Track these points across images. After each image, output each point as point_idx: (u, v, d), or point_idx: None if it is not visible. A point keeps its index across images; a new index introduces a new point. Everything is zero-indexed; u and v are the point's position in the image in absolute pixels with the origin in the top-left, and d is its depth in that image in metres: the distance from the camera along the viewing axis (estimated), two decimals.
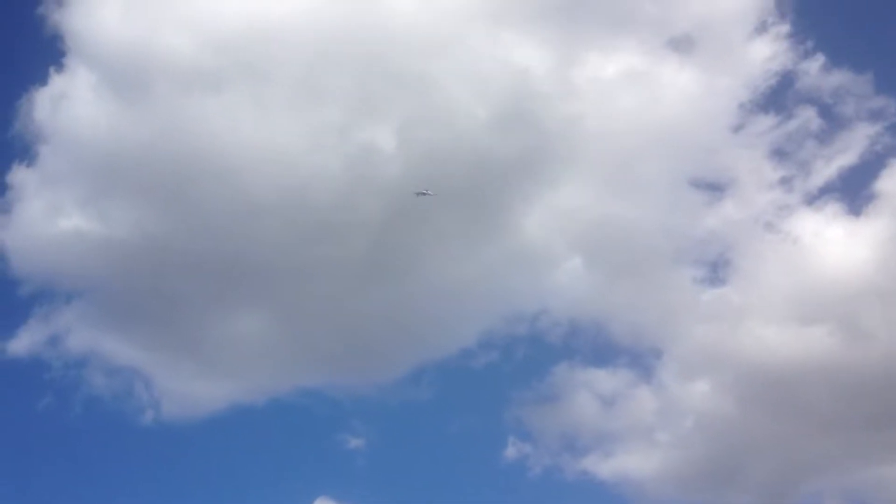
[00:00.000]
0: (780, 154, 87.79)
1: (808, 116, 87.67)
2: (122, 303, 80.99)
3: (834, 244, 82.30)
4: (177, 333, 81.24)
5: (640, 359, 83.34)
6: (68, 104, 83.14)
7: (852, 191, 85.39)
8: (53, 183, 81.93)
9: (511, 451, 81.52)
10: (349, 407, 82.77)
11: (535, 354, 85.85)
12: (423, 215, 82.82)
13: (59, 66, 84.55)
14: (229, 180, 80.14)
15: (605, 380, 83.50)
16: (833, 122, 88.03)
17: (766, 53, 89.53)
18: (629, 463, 79.31)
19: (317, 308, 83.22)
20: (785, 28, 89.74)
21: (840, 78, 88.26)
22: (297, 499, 76.26)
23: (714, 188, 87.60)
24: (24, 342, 77.54)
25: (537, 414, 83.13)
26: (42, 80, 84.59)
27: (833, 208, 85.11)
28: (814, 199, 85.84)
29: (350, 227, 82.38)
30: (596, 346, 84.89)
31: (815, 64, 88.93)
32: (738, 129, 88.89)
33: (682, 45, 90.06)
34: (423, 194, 77.08)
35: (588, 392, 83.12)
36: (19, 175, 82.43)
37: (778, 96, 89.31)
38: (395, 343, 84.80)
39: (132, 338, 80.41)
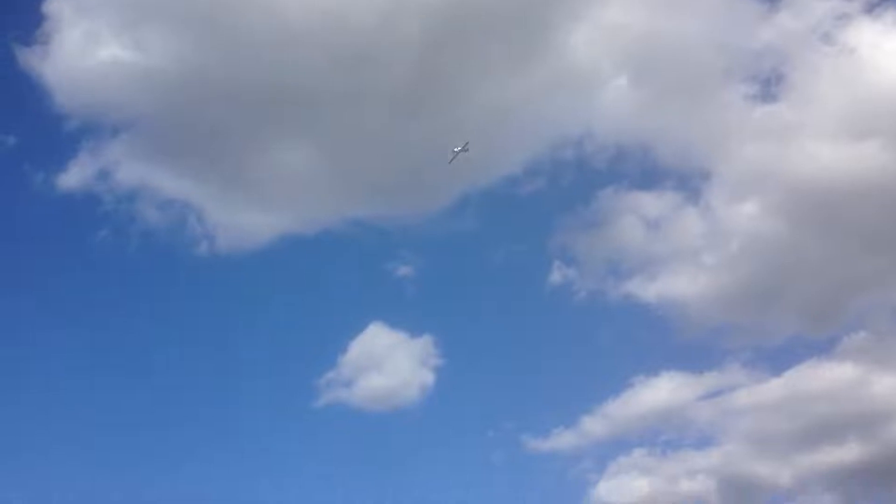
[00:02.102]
0: None
1: None
2: (169, 135, 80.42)
3: (892, 56, 79.23)
4: (225, 165, 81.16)
5: (687, 181, 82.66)
6: None
7: None
8: (89, 10, 79.86)
9: (556, 277, 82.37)
10: (397, 236, 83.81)
11: (580, 179, 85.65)
12: (467, 38, 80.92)
13: None
14: (268, 5, 77.72)
15: (651, 203, 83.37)
16: None
17: None
18: (674, 285, 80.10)
19: (362, 137, 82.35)
20: None
21: None
22: (352, 325, 78.74)
23: None
24: (74, 177, 77.83)
25: (582, 239, 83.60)
26: None
27: (894, 17, 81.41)
28: (874, 6, 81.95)
29: (393, 53, 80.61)
30: (642, 168, 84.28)
31: None
32: None
33: None
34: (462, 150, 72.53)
35: (633, 216, 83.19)
36: (54, 4, 79.99)
37: None
38: (441, 171, 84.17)
39: (181, 170, 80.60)
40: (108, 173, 78.27)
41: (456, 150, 70.85)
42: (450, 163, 71.26)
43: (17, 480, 65.75)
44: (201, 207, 79.06)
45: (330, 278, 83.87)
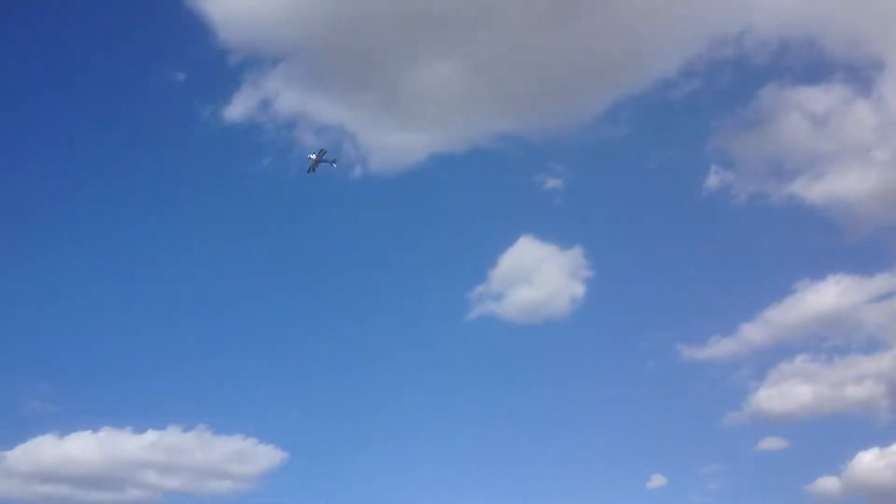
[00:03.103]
0: None
1: None
2: (323, 63, 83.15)
3: None
4: (376, 89, 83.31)
5: (857, 72, 77.36)
6: None
7: None
8: None
9: (712, 181, 79.99)
10: (546, 149, 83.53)
11: (739, 78, 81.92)
12: None
13: None
14: None
15: (817, 98, 78.54)
16: None
17: None
18: (841, 184, 75.82)
19: (508, 51, 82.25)
20: None
21: None
22: (502, 239, 79.94)
23: None
24: (238, 108, 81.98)
25: (741, 141, 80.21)
26: None
27: None
28: None
29: None
30: (807, 62, 79.48)
31: None
32: None
33: None
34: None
35: (798, 113, 78.64)
36: None
37: None
38: (591, 80, 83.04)
39: (335, 97, 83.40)
40: (268, 104, 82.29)
41: (311, 156, 66.33)
42: (309, 172, 66.39)
43: None
44: (355, 131, 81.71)
45: (479, 194, 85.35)
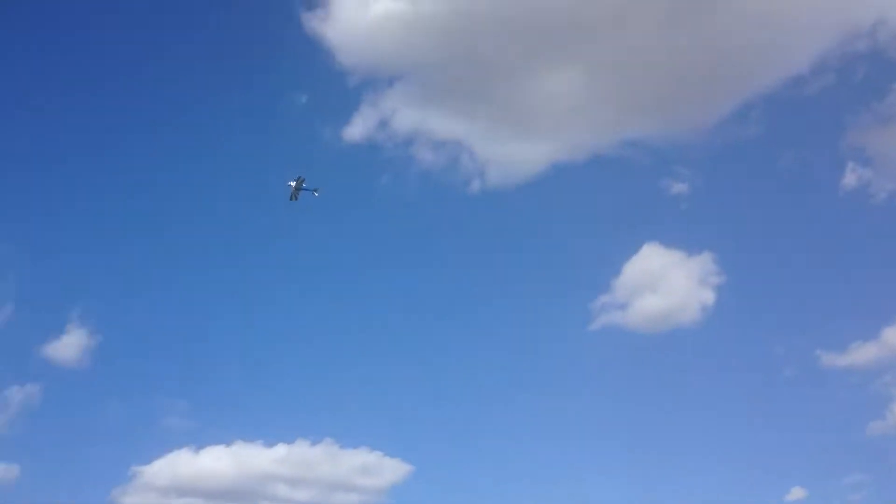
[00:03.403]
0: None
1: None
2: (439, 78, 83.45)
3: None
4: (493, 101, 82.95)
5: None
6: None
7: None
8: None
9: (849, 179, 76.60)
10: (671, 153, 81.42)
11: (874, 72, 78.24)
12: None
13: None
14: None
15: None
16: None
17: None
18: None
19: (629, 55, 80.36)
20: None
21: None
22: (626, 247, 78.02)
23: None
24: (358, 128, 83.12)
25: (879, 136, 76.66)
26: None
27: None
28: None
29: None
30: None
31: None
32: None
33: None
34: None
35: None
36: None
37: None
38: (717, 80, 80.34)
39: (452, 111, 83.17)
40: (386, 122, 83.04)
41: (290, 183, 64.03)
42: (291, 199, 64.29)
43: None
44: (472, 145, 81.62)
45: (601, 202, 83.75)
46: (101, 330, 74.21)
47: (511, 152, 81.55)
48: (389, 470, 71.90)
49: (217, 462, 71.69)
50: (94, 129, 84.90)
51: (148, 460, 70.15)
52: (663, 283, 76.01)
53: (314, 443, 72.45)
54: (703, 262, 76.46)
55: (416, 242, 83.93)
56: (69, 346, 73.00)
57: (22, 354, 73.13)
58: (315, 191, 65.39)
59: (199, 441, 71.34)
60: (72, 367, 72.96)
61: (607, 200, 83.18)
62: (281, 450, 72.02)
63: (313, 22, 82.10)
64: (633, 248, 77.35)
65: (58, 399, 72.37)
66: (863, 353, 70.56)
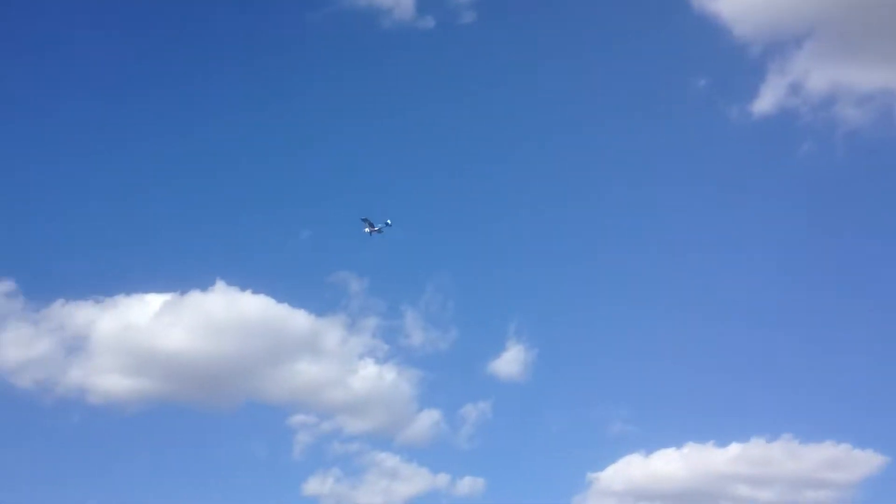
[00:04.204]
0: None
1: None
2: (852, 28, 75.69)
3: None
4: None
5: None
6: None
7: None
8: None
9: None
10: None
11: None
12: None
13: None
14: None
15: None
16: None
17: None
18: None
19: None
20: None
21: None
22: None
23: None
24: (767, 100, 78.44)
25: None
26: None
27: None
28: None
29: None
30: None
31: None
32: None
33: None
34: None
35: None
36: None
37: None
38: None
39: (873, 60, 75.37)
40: (798, 86, 77.57)
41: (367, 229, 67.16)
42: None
43: None
44: None
45: None
46: (537, 344, 76.43)
47: None
48: (860, 462, 67.28)
49: (668, 465, 71.11)
50: None
51: (601, 467, 70.99)
52: None
53: (770, 440, 69.61)
54: None
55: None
56: (510, 361, 75.97)
57: (472, 373, 77.49)
58: (387, 223, 67.74)
59: (648, 445, 71.16)
60: (516, 382, 75.70)
61: None
62: (735, 449, 69.90)
63: (702, 1, 79.21)
64: None
65: (507, 413, 75.52)
66: None
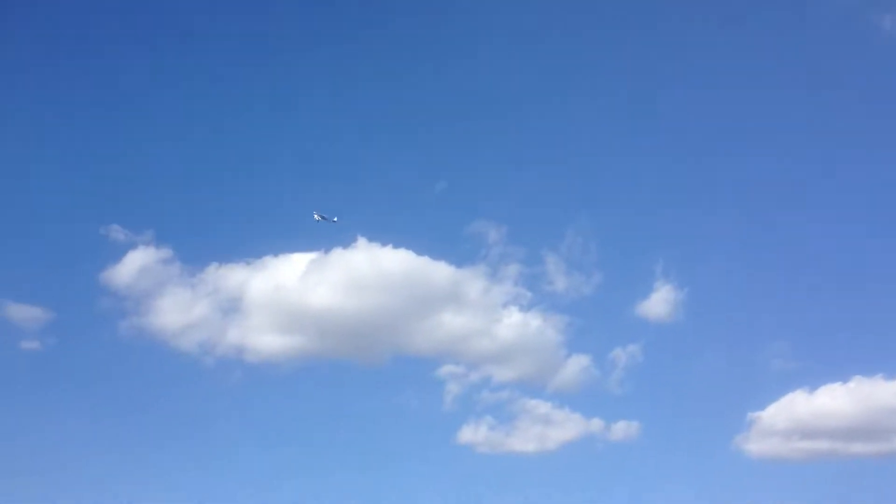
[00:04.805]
0: None
1: None
2: None
3: None
4: None
5: None
6: None
7: None
8: None
9: None
10: None
11: None
12: None
13: None
14: None
15: None
16: None
17: None
18: None
19: None
20: None
21: None
22: None
23: None
24: None
25: None
26: None
27: None
28: None
29: None
30: None
31: None
32: None
33: None
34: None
35: None
36: None
37: None
38: None
39: None
40: None
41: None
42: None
43: None
44: None
45: None
46: (686, 283, 74.64)
47: None
48: None
49: (834, 401, 68.26)
50: None
51: (762, 406, 68.97)
52: None
53: None
54: None
55: None
56: (659, 302, 74.62)
57: (619, 317, 76.65)
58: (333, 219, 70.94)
59: (811, 381, 68.71)
60: (666, 323, 74.44)
61: None
62: None
63: None
64: None
65: (659, 355, 74.38)
66: None
